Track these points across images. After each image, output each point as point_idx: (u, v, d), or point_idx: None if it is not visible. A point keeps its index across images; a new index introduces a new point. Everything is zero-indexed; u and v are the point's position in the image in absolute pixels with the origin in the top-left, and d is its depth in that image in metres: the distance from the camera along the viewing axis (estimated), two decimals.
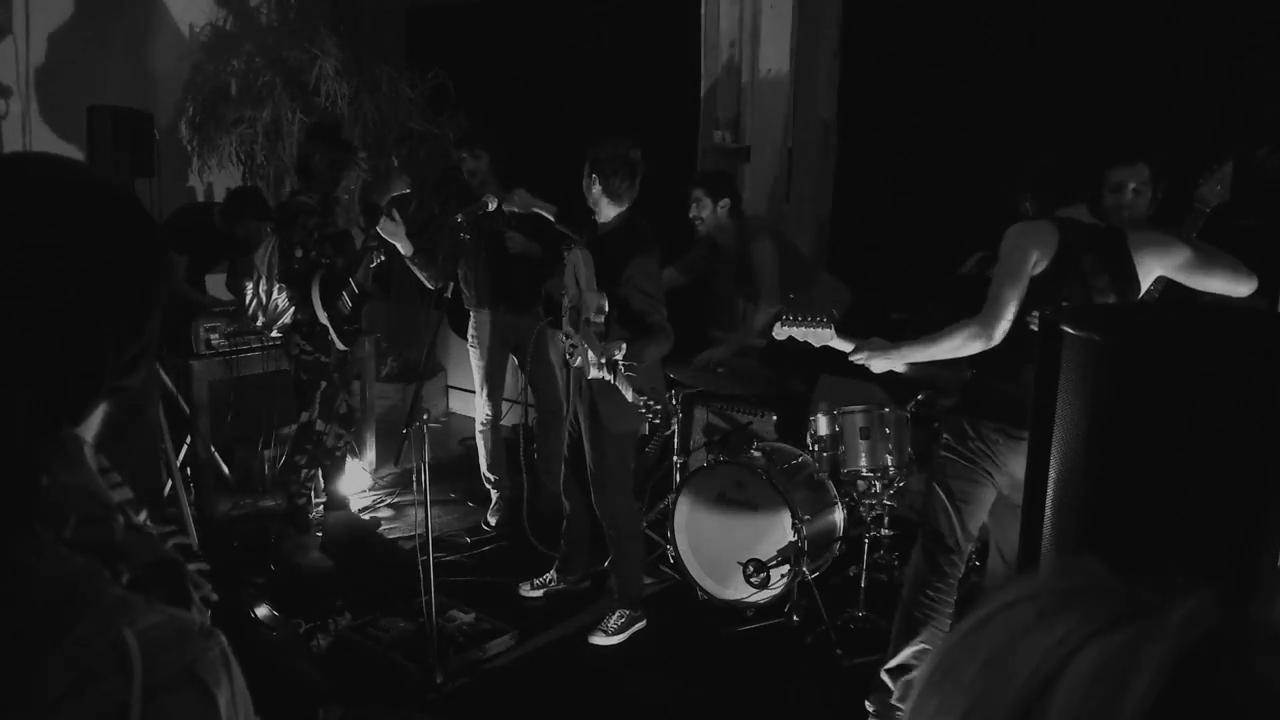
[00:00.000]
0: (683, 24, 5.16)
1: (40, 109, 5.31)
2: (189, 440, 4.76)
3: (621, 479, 3.76)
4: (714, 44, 5.08)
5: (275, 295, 4.28)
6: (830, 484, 4.00)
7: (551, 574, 4.11)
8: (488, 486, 4.90)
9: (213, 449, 4.90)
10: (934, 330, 2.74)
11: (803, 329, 2.93)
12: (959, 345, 2.64)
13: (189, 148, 5.89)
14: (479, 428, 4.82)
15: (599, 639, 3.72)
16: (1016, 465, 2.61)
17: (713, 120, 5.12)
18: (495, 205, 4.29)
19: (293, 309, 4.26)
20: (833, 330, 2.93)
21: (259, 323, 4.35)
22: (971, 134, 4.35)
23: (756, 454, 4.01)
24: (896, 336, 4.23)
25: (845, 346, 2.92)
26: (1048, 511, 1.59)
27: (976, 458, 2.69)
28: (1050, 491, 1.58)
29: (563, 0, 5.80)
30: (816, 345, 2.99)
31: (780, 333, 2.99)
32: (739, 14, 4.97)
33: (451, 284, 4.67)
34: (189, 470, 4.79)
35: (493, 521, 4.84)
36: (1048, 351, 1.57)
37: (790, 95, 4.96)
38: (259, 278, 4.24)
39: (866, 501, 3.85)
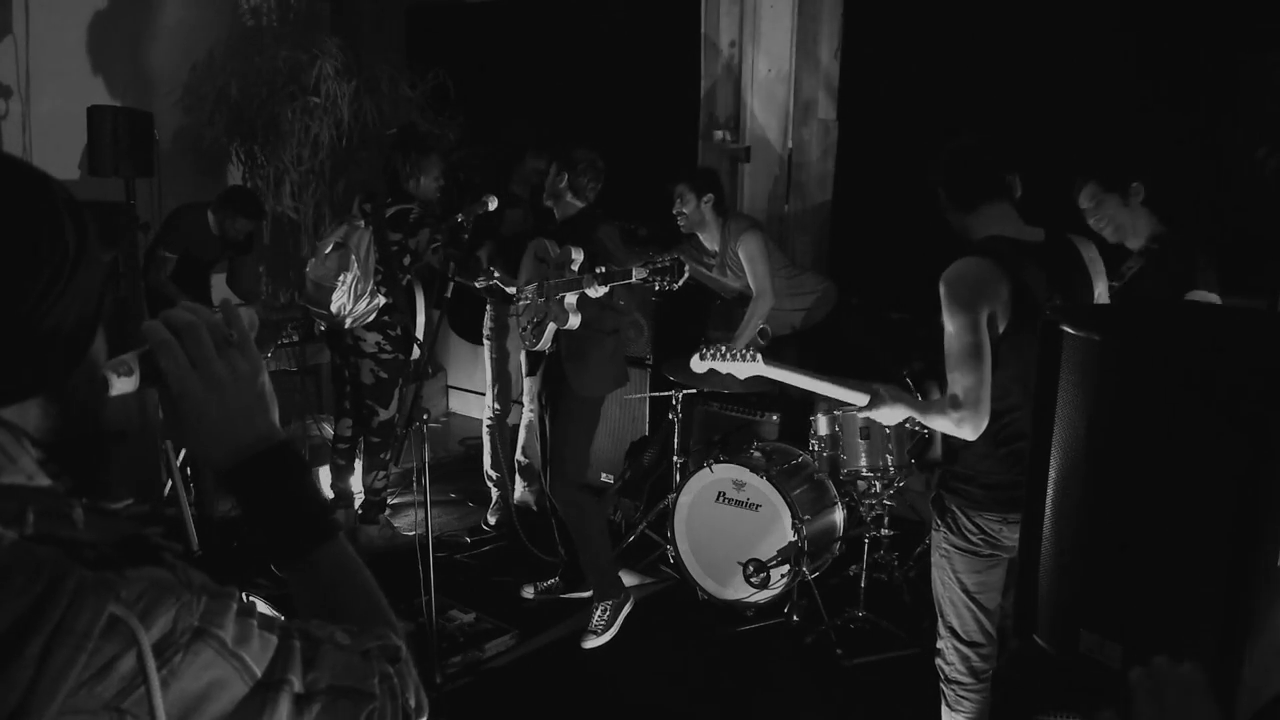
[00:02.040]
0: (683, 24, 5.16)
1: (40, 109, 5.31)
2: None
3: (583, 455, 3.73)
4: (714, 44, 5.09)
5: (366, 296, 4.28)
6: (830, 484, 4.00)
7: (556, 580, 4.10)
8: (489, 485, 4.91)
9: None
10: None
11: (724, 363, 2.68)
12: (947, 429, 2.34)
13: (188, 148, 5.90)
14: (486, 423, 4.85)
15: (591, 641, 3.71)
16: (1018, 534, 2.46)
17: (713, 120, 5.13)
18: (495, 205, 4.30)
19: (378, 311, 4.29)
20: (760, 360, 2.64)
21: (341, 316, 4.31)
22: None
23: (756, 454, 4.02)
24: (896, 336, 4.23)
25: (859, 397, 2.53)
26: (1047, 512, 1.59)
27: (981, 548, 2.43)
28: (1050, 492, 1.58)
29: (563, 0, 5.80)
30: (741, 377, 2.74)
31: (699, 366, 2.75)
32: (739, 14, 4.97)
33: (452, 284, 4.67)
34: (189, 470, 4.79)
35: (492, 521, 4.84)
36: (1048, 351, 1.57)
37: (790, 95, 4.96)
38: (355, 278, 4.23)
39: (866, 501, 3.85)
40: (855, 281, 4.67)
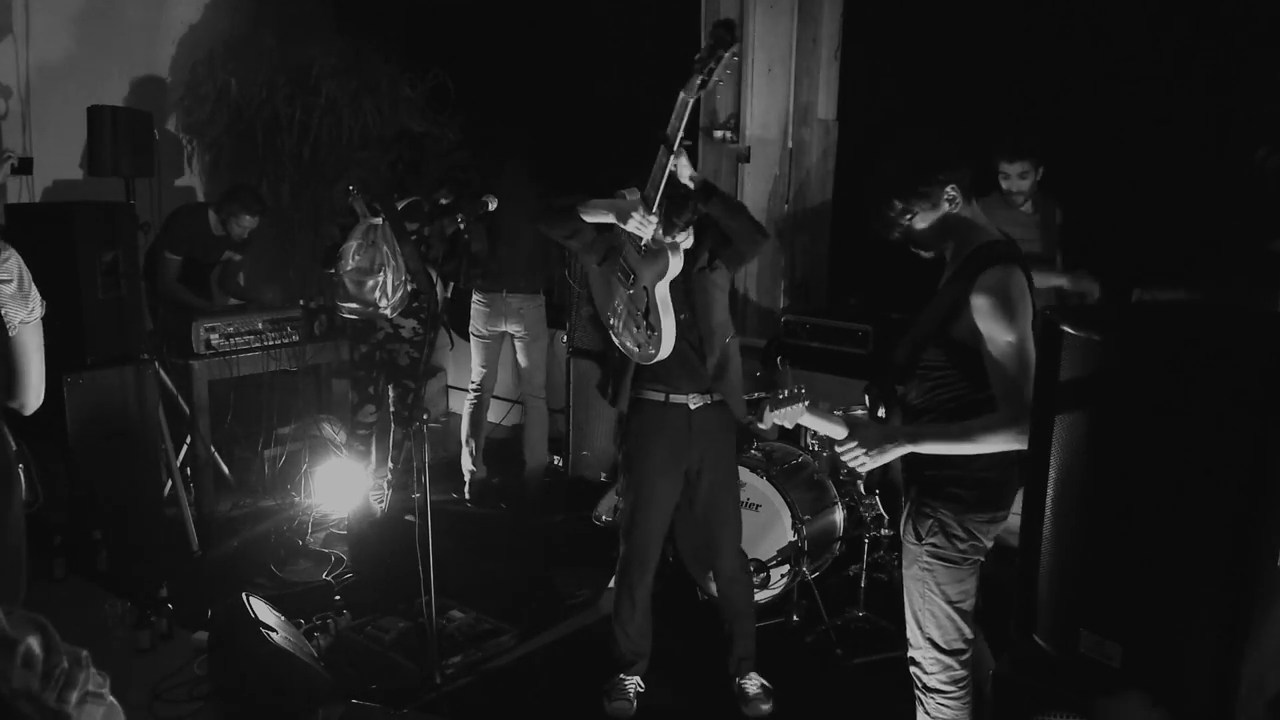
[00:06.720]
0: (683, 23, 5.16)
1: (40, 109, 5.31)
2: (189, 440, 4.77)
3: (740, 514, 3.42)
4: None
5: (402, 286, 4.40)
6: (830, 484, 4.00)
7: (637, 681, 3.39)
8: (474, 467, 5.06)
9: (213, 449, 4.91)
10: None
11: (783, 410, 2.50)
12: (1009, 445, 2.17)
13: (189, 147, 5.90)
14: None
15: (766, 706, 3.30)
16: (999, 530, 2.39)
17: (713, 120, 5.13)
18: (495, 205, 4.31)
19: (409, 296, 4.47)
20: (804, 405, 2.49)
21: (385, 307, 4.42)
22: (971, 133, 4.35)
23: (756, 454, 4.01)
24: (898, 337, 4.20)
25: (836, 430, 2.41)
26: (1047, 512, 1.59)
27: (969, 554, 2.37)
28: (1050, 492, 1.58)
29: (563, 0, 5.80)
30: (789, 426, 2.58)
31: (767, 421, 2.56)
32: (739, 12, 4.97)
33: (453, 284, 4.72)
34: (189, 470, 4.79)
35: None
36: (1048, 351, 1.57)
37: (790, 95, 4.97)
38: (390, 270, 4.34)
39: (866, 502, 3.85)
40: (855, 281, 4.67)
